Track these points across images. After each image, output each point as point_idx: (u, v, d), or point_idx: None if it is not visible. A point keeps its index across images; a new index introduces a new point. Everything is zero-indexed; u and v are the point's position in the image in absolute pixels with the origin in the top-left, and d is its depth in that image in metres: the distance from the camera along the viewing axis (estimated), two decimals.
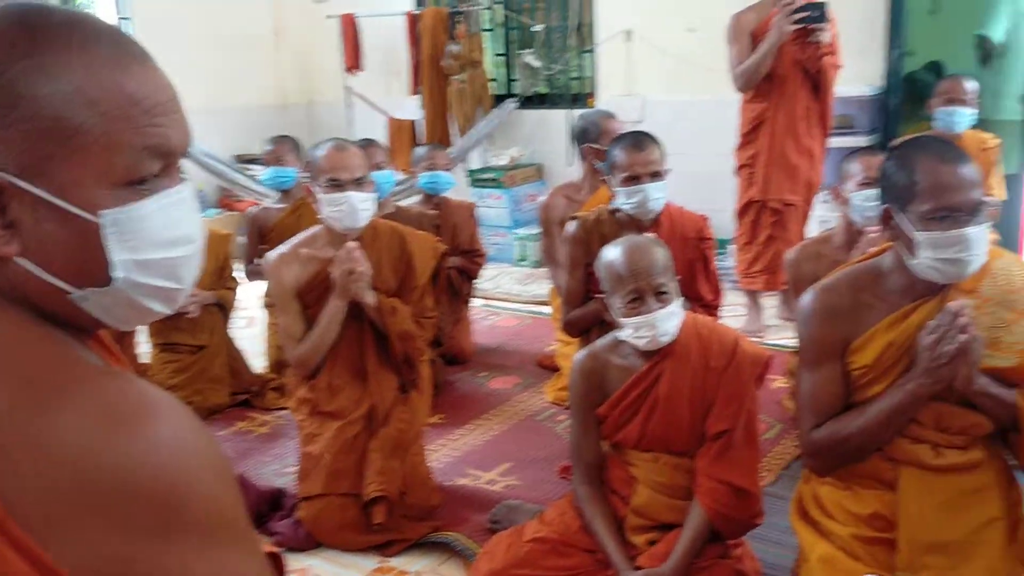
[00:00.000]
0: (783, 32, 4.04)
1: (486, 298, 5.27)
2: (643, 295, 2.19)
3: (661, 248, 2.27)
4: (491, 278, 5.64)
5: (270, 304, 3.68)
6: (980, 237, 1.85)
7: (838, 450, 2.00)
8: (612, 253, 2.27)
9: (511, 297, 5.34)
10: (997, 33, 5.09)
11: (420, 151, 4.35)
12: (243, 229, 4.08)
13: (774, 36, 4.07)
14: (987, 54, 5.10)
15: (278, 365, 3.82)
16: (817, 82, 4.27)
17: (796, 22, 4.02)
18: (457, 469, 3.17)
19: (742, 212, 4.50)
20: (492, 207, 6.18)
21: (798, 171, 4.36)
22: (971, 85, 4.10)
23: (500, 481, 3.08)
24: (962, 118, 4.08)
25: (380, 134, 6.24)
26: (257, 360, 4.04)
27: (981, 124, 4.35)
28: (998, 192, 4.17)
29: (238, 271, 3.94)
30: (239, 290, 3.95)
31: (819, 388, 2.02)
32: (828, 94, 4.33)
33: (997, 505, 1.95)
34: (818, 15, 4.01)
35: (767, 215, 4.42)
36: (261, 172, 4.51)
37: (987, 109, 4.75)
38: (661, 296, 2.20)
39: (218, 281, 3.77)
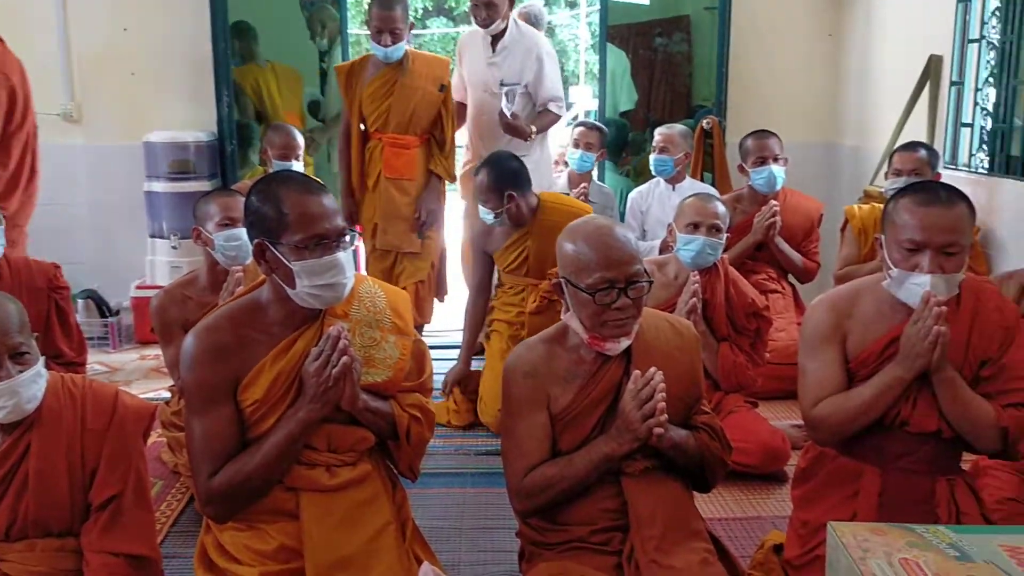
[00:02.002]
0: None
1: None
2: None
3: (13, 303, 1.97)
4: None
5: None
6: (349, 261, 1.98)
7: (241, 491, 1.95)
8: None
9: None
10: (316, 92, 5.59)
11: None
12: None
13: None
14: (316, 110, 5.57)
15: None
16: None
17: None
18: None
19: None
20: None
21: None
22: (300, 140, 4.39)
23: None
24: (298, 168, 4.34)
25: None
26: None
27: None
28: None
29: None
30: None
31: (212, 432, 1.95)
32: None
33: (387, 510, 2.09)
34: None
35: None
36: None
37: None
38: (20, 358, 1.92)
39: None
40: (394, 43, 4.07)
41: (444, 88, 4.22)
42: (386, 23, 4.05)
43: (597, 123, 4.81)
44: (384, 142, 4.24)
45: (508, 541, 2.69)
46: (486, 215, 3.60)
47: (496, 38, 4.44)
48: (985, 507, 2.19)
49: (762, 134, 4.22)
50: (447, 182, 4.48)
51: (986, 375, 2.08)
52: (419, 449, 2.18)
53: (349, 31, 5.71)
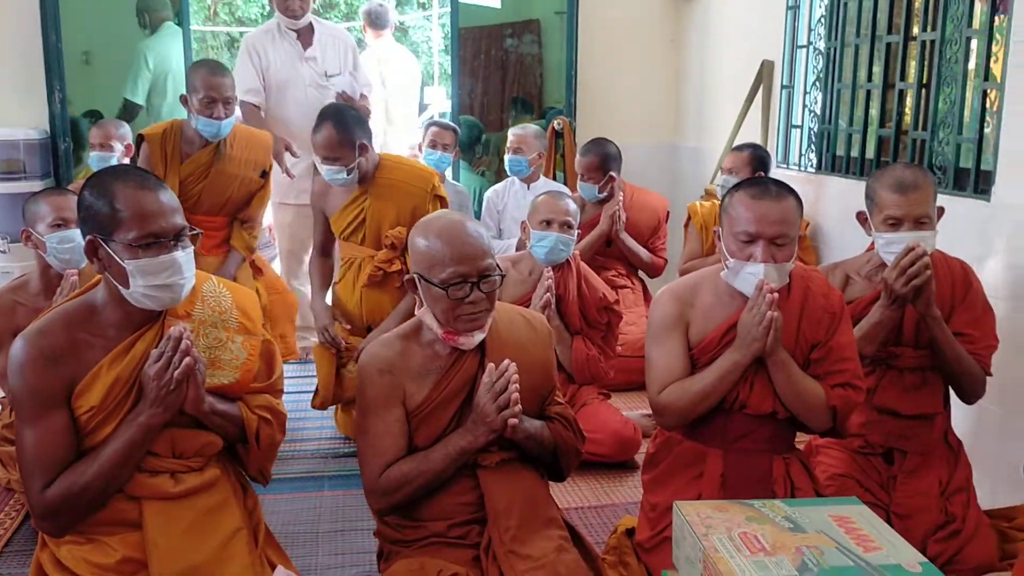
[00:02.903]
0: None
1: None
2: None
3: None
4: None
5: None
6: (188, 261, 1.91)
7: (78, 503, 1.85)
8: None
9: None
10: (137, 96, 5.30)
11: None
12: None
13: None
14: (130, 113, 5.27)
15: None
16: None
17: None
18: None
19: None
20: None
21: None
22: (121, 131, 4.21)
23: None
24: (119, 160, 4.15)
25: None
26: None
27: None
28: None
29: None
30: None
31: (44, 442, 1.85)
32: None
33: (238, 516, 2.04)
34: None
35: None
36: None
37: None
38: None
39: None
40: (227, 115, 3.52)
41: (265, 174, 3.75)
42: (219, 91, 3.48)
43: (451, 123, 4.83)
44: (193, 223, 3.69)
45: (366, 542, 2.67)
46: (336, 174, 3.32)
47: (302, 34, 4.50)
48: (818, 483, 2.33)
49: (585, 150, 4.36)
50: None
51: (816, 358, 2.21)
52: (269, 452, 2.13)
53: (192, 28, 5.50)
